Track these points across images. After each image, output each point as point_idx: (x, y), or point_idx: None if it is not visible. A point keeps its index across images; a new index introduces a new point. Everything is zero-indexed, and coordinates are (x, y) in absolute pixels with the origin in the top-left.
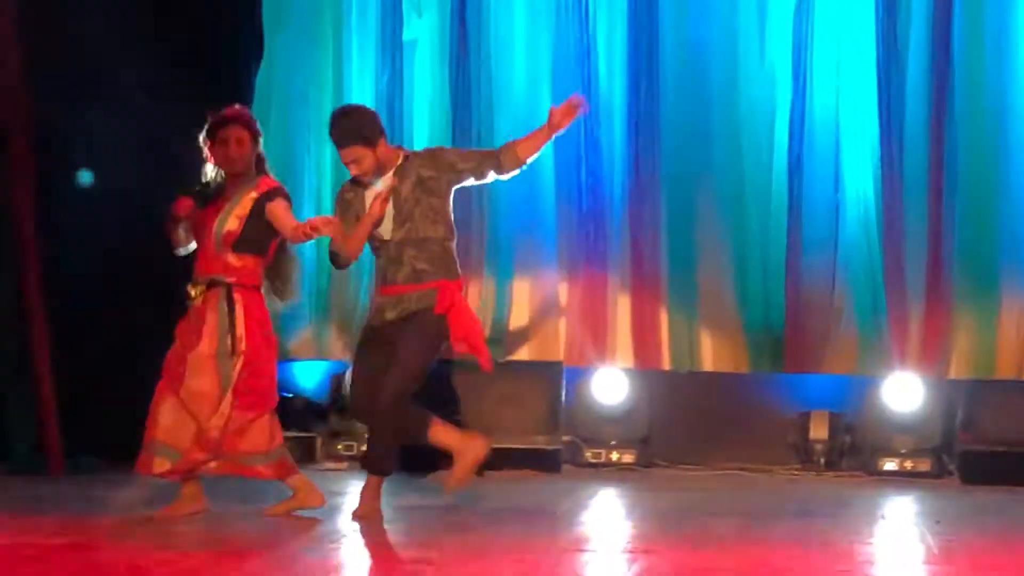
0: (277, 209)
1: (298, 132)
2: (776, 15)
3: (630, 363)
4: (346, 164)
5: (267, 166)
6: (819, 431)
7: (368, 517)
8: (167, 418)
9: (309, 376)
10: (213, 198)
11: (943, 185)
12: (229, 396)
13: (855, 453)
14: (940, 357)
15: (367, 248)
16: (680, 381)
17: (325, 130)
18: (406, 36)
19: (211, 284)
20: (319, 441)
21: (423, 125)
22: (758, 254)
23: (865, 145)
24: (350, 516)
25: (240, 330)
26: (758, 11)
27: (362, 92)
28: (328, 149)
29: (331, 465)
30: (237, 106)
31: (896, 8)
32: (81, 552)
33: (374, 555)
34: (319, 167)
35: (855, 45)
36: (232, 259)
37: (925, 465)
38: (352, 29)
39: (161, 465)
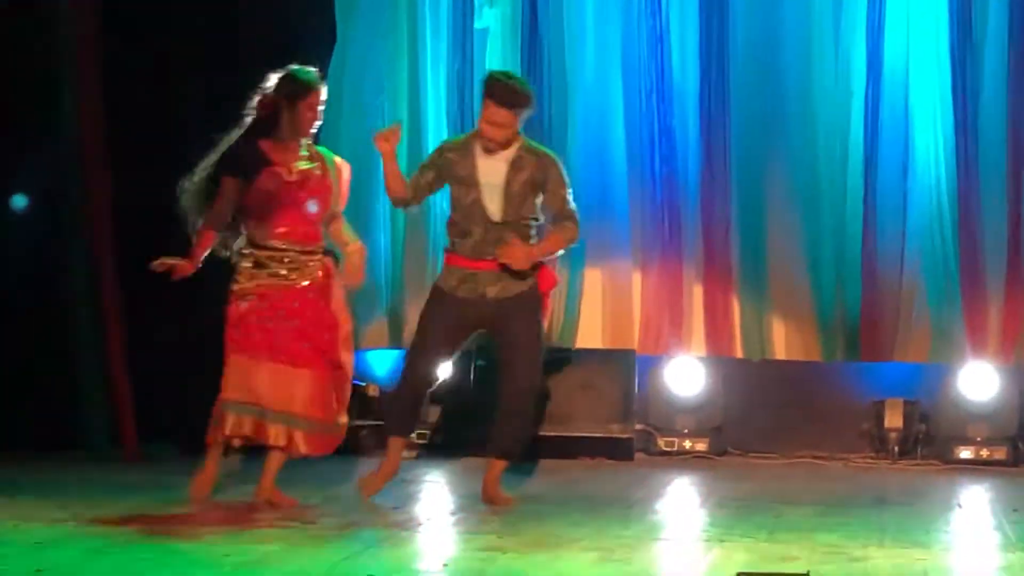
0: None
1: (373, 121)
2: (850, 1)
3: (703, 351)
4: (492, 123)
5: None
6: (894, 419)
7: (501, 501)
8: None
9: (382, 365)
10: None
11: (1021, 173)
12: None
13: (930, 442)
14: (1016, 346)
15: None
16: (753, 369)
17: (400, 118)
18: (478, 24)
19: (327, 252)
20: None
21: None
22: (832, 243)
23: (938, 132)
24: (481, 500)
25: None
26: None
27: (436, 80)
28: (404, 136)
29: (403, 454)
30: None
31: None
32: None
33: (448, 542)
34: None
35: (928, 29)
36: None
37: (1001, 453)
38: (426, 17)
39: None
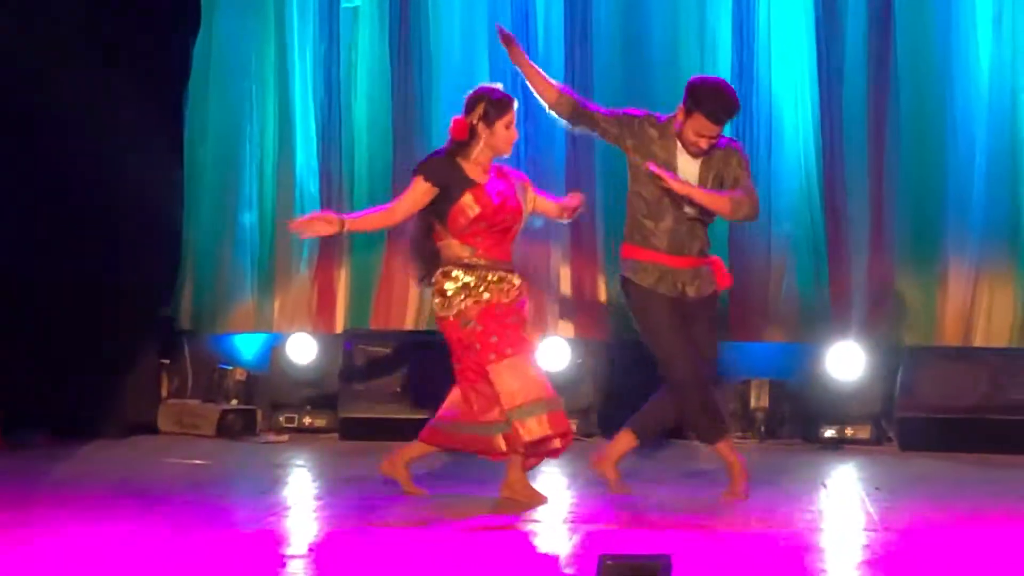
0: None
1: (239, 103)
2: None
3: (571, 333)
4: (700, 135)
5: None
6: (760, 399)
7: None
8: None
9: (249, 347)
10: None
11: (885, 152)
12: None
13: (795, 421)
14: (882, 325)
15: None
16: (623, 350)
17: (267, 101)
18: (345, 3)
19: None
20: (259, 413)
21: (362, 92)
22: None
23: (805, 113)
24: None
25: None
26: None
27: (303, 60)
28: (272, 120)
29: (272, 437)
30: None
31: None
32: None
33: (314, 527)
34: (262, 138)
35: (792, 7)
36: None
37: (865, 432)
38: None
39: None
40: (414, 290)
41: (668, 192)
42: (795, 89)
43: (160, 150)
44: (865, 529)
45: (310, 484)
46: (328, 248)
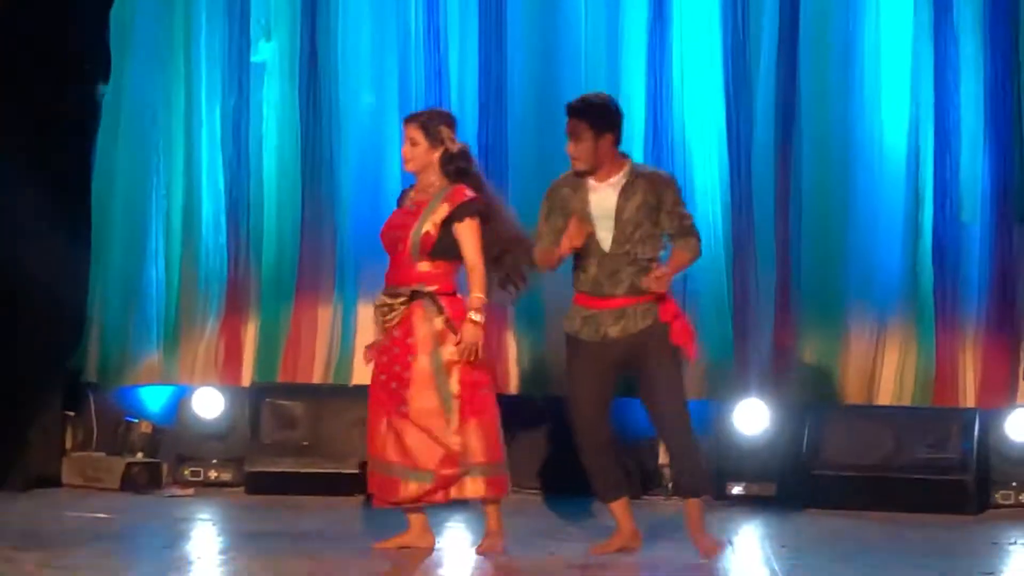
0: (462, 233)
1: (148, 154)
2: (628, 37)
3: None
4: (567, 135)
5: (473, 169)
6: (666, 456)
7: (709, 544)
8: (393, 440)
9: (155, 400)
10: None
11: (789, 212)
12: (456, 405)
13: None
14: (788, 383)
15: None
16: (530, 405)
17: (176, 152)
18: (254, 58)
19: (412, 295)
20: (165, 467)
21: (271, 147)
22: None
23: (713, 168)
24: (705, 554)
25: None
26: (607, 37)
27: (211, 113)
28: (179, 170)
29: (177, 491)
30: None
31: (745, 34)
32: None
33: None
34: (169, 188)
35: (703, 67)
36: (428, 266)
37: (771, 490)
38: (201, 50)
39: (410, 489)
40: (322, 343)
41: (588, 240)
42: (706, 149)
43: (68, 201)
44: None
45: (215, 538)
46: (235, 301)
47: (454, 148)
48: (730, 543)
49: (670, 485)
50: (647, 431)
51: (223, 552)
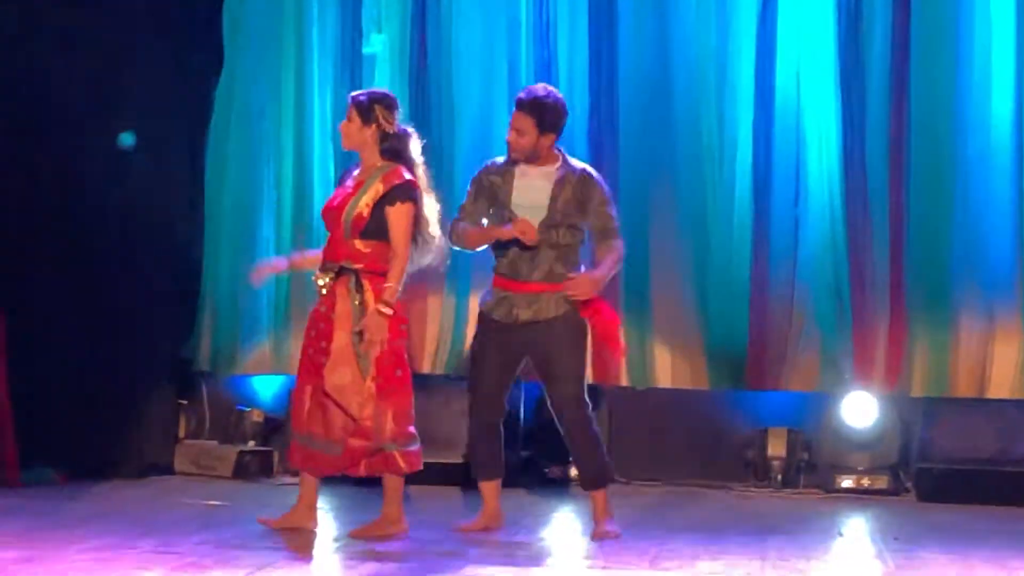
0: (393, 216)
1: (259, 146)
2: (738, 27)
3: (589, 379)
4: (511, 129)
5: (408, 152)
6: (777, 448)
7: (607, 534)
8: (312, 410)
9: (267, 389)
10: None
11: (902, 201)
12: (370, 384)
13: (812, 470)
14: (900, 375)
15: None
16: (639, 397)
17: (285, 144)
18: (366, 50)
19: (340, 271)
20: (276, 455)
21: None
22: (721, 271)
23: (830, 159)
24: (592, 537)
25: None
26: (718, 26)
27: (323, 105)
28: (289, 163)
29: (289, 479)
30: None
31: (858, 21)
32: (33, 564)
33: (330, 567)
34: (279, 181)
35: (817, 54)
36: (360, 245)
37: (882, 483)
38: (313, 42)
39: (326, 460)
40: (432, 333)
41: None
42: (819, 135)
43: (181, 192)
44: None
45: (326, 525)
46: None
47: (390, 129)
48: (840, 535)
49: (779, 477)
50: (755, 423)
51: (336, 539)
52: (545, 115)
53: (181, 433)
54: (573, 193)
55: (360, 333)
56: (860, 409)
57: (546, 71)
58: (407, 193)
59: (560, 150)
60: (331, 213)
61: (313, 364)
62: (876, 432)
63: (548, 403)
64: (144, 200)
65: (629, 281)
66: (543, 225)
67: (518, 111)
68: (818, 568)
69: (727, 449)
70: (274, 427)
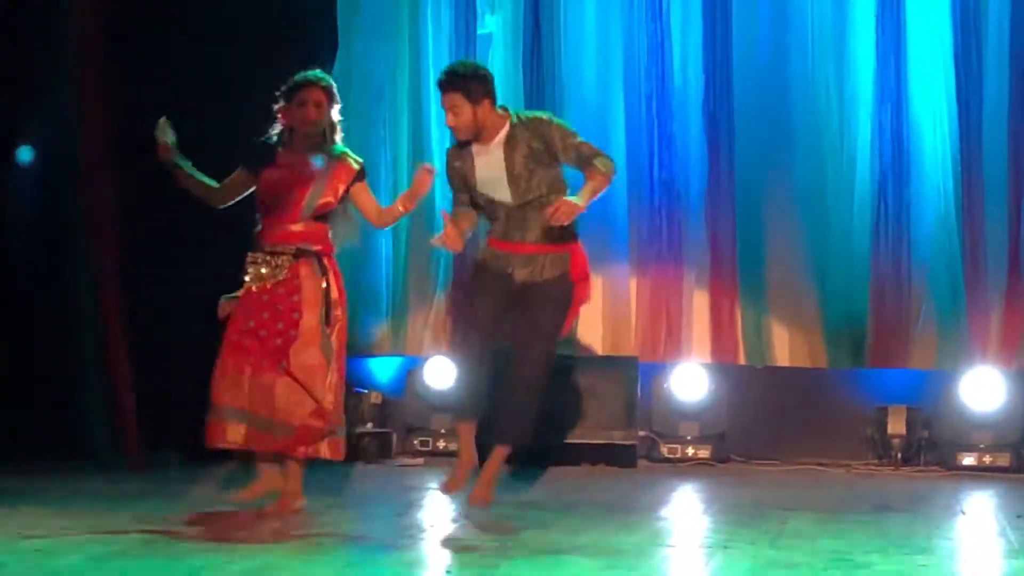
0: (363, 193)
1: (375, 127)
2: (856, 9)
3: (707, 358)
4: (446, 113)
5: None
6: (896, 426)
7: (483, 498)
8: (262, 393)
9: (385, 371)
10: (272, 161)
11: (1021, 177)
12: (335, 365)
13: (932, 448)
14: (1018, 351)
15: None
16: (756, 376)
17: (401, 125)
18: (480, 30)
19: (298, 253)
20: (394, 437)
21: None
22: (839, 250)
23: (944, 140)
24: (472, 501)
25: (335, 297)
26: (836, 3)
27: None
28: (405, 144)
29: (407, 461)
30: (318, 71)
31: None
32: (156, 545)
33: (453, 550)
34: (396, 163)
35: (933, 35)
36: (318, 227)
37: (1004, 460)
38: (428, 23)
39: (271, 441)
40: None
41: (490, 198)
42: (934, 118)
43: None
44: (1005, 556)
45: (446, 506)
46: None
47: (337, 118)
48: (962, 513)
49: (899, 456)
50: (875, 401)
51: (455, 520)
52: (470, 85)
53: None
54: (529, 146)
55: (328, 315)
56: (981, 386)
57: (659, 49)
58: (364, 174)
59: (506, 109)
60: (278, 192)
61: (264, 346)
62: (998, 409)
63: (511, 357)
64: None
65: (744, 259)
66: (517, 195)
67: (443, 93)
68: (940, 546)
69: (846, 428)
70: (391, 409)
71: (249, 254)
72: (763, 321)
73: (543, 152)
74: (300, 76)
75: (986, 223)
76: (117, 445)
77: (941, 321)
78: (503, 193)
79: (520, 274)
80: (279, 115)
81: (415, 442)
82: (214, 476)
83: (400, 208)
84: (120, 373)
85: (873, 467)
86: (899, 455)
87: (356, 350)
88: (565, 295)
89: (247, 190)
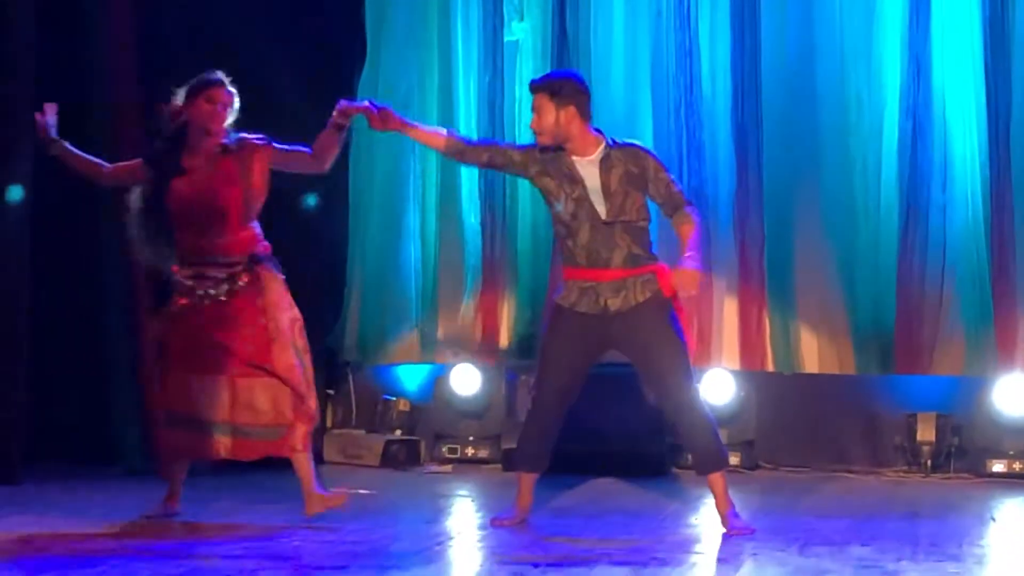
0: (284, 155)
1: (402, 137)
2: (884, 10)
3: (735, 365)
4: (532, 110)
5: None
6: (926, 433)
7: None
8: (244, 401)
9: (413, 379)
10: (179, 168)
11: None
12: (306, 362)
13: (963, 455)
14: None
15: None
16: (785, 382)
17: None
18: (508, 37)
19: (252, 260)
20: (423, 444)
21: (526, 125)
22: (867, 256)
23: (973, 145)
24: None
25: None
26: (864, 9)
27: (467, 92)
28: (433, 153)
29: (435, 468)
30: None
31: (1004, 3)
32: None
33: (479, 557)
34: (424, 171)
35: (962, 40)
36: (251, 230)
37: None
38: (457, 30)
39: (256, 447)
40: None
41: (580, 205)
42: (964, 122)
43: (326, 183)
44: None
45: (474, 514)
46: (492, 279)
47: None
48: (993, 520)
49: (929, 463)
50: (904, 408)
51: (483, 527)
52: (555, 87)
53: (328, 423)
54: (625, 168)
55: (291, 313)
56: (1011, 393)
57: (687, 57)
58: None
59: (600, 132)
60: (203, 203)
61: (236, 356)
62: None
63: (649, 391)
64: (289, 192)
65: (772, 266)
66: (612, 209)
67: (532, 93)
68: (971, 553)
69: (875, 434)
70: (420, 416)
71: (189, 268)
72: (791, 328)
73: (638, 177)
74: (209, 75)
75: (1016, 229)
76: (147, 451)
77: (969, 327)
78: (597, 206)
79: (613, 303)
80: (177, 112)
81: (443, 449)
82: (247, 481)
83: (332, 136)
84: (150, 381)
85: (903, 474)
86: (929, 462)
87: (385, 358)
88: (668, 316)
89: (134, 182)
